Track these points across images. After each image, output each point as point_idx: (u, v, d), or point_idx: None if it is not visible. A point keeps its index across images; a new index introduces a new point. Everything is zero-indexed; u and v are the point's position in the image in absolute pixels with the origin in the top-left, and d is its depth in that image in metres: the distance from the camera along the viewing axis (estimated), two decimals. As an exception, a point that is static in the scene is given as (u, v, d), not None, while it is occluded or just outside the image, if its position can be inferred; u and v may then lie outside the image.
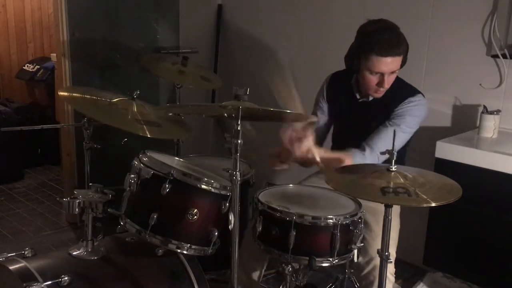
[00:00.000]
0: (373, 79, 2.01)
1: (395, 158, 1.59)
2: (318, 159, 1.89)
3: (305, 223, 1.71)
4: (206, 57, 3.82)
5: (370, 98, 2.13)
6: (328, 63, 2.30)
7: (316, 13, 3.25)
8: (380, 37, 1.94)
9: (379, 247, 1.62)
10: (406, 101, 2.05)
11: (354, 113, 2.18)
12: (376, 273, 1.91)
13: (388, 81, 2.00)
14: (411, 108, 2.04)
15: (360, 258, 1.98)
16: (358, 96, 2.16)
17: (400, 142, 2.02)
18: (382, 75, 1.98)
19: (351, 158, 1.96)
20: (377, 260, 1.80)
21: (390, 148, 1.83)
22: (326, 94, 2.31)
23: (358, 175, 1.72)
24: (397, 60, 1.97)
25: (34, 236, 3.32)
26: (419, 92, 2.09)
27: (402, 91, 2.09)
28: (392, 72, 1.99)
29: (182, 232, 1.78)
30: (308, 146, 1.88)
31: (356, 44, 2.03)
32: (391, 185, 1.54)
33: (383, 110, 2.08)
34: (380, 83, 2.01)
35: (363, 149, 2.00)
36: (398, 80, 2.12)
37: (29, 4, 5.19)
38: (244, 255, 1.96)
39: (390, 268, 2.02)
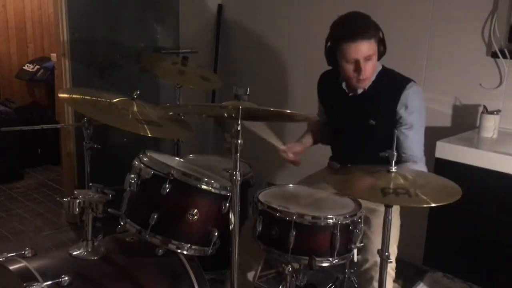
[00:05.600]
0: (350, 67, 2.01)
1: (395, 159, 1.59)
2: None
3: (305, 223, 1.71)
4: (206, 57, 3.82)
5: (359, 91, 2.13)
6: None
7: (316, 13, 3.25)
8: (346, 23, 1.99)
9: (379, 244, 1.62)
10: (404, 93, 2.04)
11: (346, 108, 2.19)
12: (375, 270, 1.91)
13: (366, 68, 1.99)
14: (413, 99, 2.04)
15: (359, 256, 1.98)
16: (347, 90, 2.17)
17: (423, 138, 2.08)
18: (357, 61, 1.98)
19: None
20: (376, 257, 1.79)
21: (421, 148, 2.05)
22: (318, 95, 2.36)
23: (358, 175, 1.72)
24: (368, 44, 1.96)
25: (34, 236, 3.32)
26: (410, 80, 2.09)
27: (393, 82, 2.08)
28: (368, 59, 1.98)
29: (182, 232, 1.78)
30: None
31: (329, 38, 2.07)
32: (391, 185, 1.54)
33: (379, 106, 2.09)
34: (356, 70, 2.00)
35: (414, 161, 2.05)
36: (387, 72, 2.12)
37: (29, 4, 5.19)
38: (241, 254, 1.96)
39: (392, 264, 2.01)
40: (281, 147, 2.09)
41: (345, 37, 1.96)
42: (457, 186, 1.59)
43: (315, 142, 2.37)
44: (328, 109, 2.33)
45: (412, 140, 2.05)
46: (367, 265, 1.98)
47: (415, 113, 2.05)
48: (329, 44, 2.07)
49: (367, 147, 2.06)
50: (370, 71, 2.02)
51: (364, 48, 1.95)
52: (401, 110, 2.05)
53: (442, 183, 1.65)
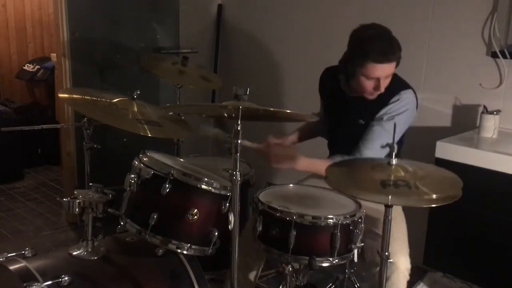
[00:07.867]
0: (369, 84, 2.02)
1: (395, 151, 1.59)
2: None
3: (305, 223, 1.71)
4: (206, 57, 3.82)
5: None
6: (327, 63, 2.31)
7: (316, 13, 3.25)
8: (374, 44, 1.95)
9: (396, 245, 1.61)
10: (393, 99, 2.05)
11: (341, 107, 2.20)
12: (389, 270, 1.89)
13: (384, 85, 2.02)
14: (397, 106, 2.05)
15: (369, 258, 1.97)
16: (347, 92, 2.17)
17: (385, 141, 2.04)
18: (378, 79, 1.99)
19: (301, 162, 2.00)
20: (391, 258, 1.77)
21: (377, 147, 1.96)
22: (319, 89, 2.36)
23: (358, 168, 1.71)
24: (393, 65, 1.99)
25: (34, 236, 3.32)
26: (406, 88, 2.09)
27: (389, 88, 2.08)
28: (388, 77, 2.01)
29: (182, 232, 1.78)
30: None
31: (350, 51, 2.05)
32: (391, 178, 1.53)
33: (370, 107, 2.09)
34: (376, 87, 2.01)
35: (353, 155, 2.05)
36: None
37: (29, 4, 5.19)
38: (241, 254, 1.96)
39: (406, 264, 1.99)
40: (253, 145, 2.07)
41: (372, 58, 1.94)
42: (457, 177, 1.58)
43: (300, 139, 2.39)
44: (326, 104, 2.34)
45: (375, 134, 2.04)
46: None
47: (395, 116, 2.04)
48: (349, 55, 2.05)
49: (356, 145, 2.07)
50: (386, 85, 2.04)
51: (388, 69, 1.98)
52: (383, 109, 2.06)
53: (442, 174, 1.64)
